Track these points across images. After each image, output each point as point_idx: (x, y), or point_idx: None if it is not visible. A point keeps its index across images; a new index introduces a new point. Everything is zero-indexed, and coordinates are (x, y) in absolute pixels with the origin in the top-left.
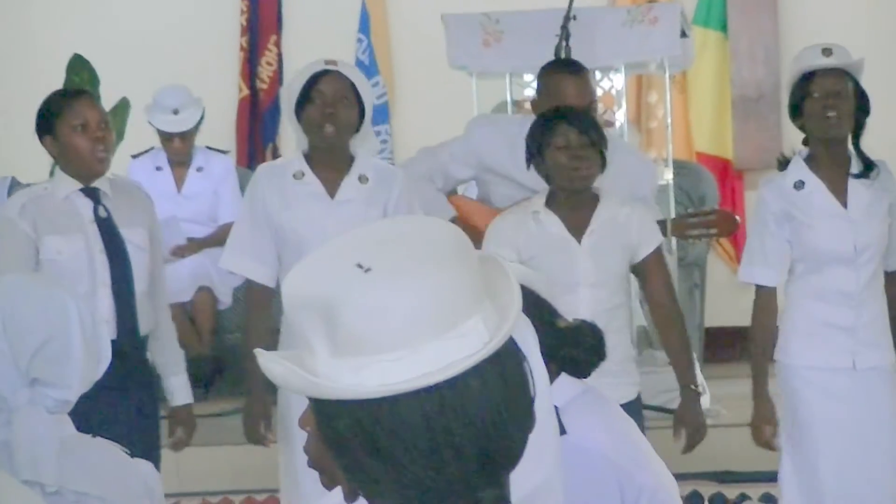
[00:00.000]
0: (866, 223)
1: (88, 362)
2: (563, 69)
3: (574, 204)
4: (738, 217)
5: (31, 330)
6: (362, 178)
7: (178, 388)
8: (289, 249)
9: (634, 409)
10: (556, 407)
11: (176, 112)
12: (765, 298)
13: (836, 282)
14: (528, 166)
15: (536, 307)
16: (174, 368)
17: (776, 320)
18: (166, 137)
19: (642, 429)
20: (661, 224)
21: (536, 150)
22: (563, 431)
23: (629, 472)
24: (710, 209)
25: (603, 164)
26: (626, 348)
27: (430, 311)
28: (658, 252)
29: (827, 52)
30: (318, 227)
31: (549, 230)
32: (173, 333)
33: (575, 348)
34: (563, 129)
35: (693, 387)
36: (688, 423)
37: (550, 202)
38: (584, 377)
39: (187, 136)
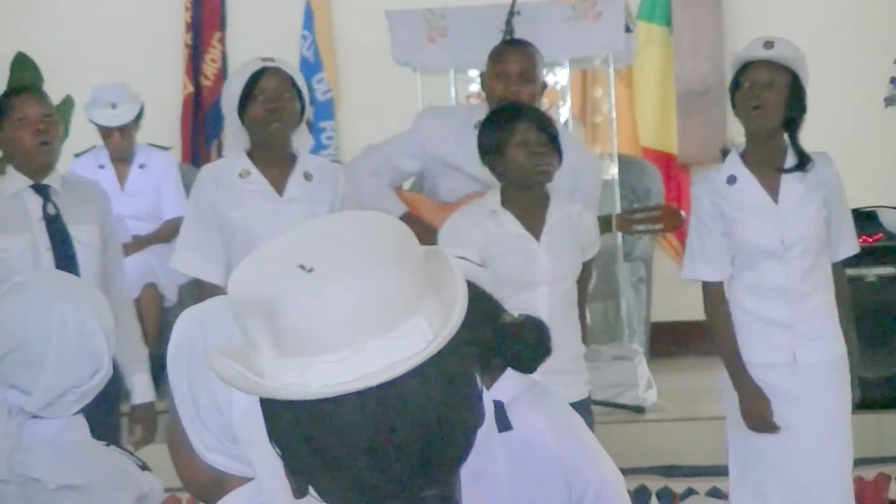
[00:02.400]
0: (797, 218)
1: (59, 371)
2: (510, 42)
3: (528, 202)
4: (683, 212)
5: (4, 334)
6: (307, 176)
7: (137, 386)
8: (238, 248)
9: (585, 406)
10: (502, 402)
11: (114, 107)
12: (712, 293)
13: (769, 277)
14: (483, 164)
15: (482, 302)
16: (135, 366)
17: (729, 311)
18: (106, 133)
19: (591, 425)
20: (607, 219)
21: (494, 146)
22: (508, 427)
23: (575, 467)
24: (655, 205)
25: (559, 159)
26: (579, 346)
27: (372, 311)
28: (594, 259)
29: (768, 44)
30: (268, 225)
31: (508, 228)
32: (135, 330)
33: (519, 343)
34: (523, 126)
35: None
36: None
37: (504, 200)
38: (529, 372)
39: (126, 131)
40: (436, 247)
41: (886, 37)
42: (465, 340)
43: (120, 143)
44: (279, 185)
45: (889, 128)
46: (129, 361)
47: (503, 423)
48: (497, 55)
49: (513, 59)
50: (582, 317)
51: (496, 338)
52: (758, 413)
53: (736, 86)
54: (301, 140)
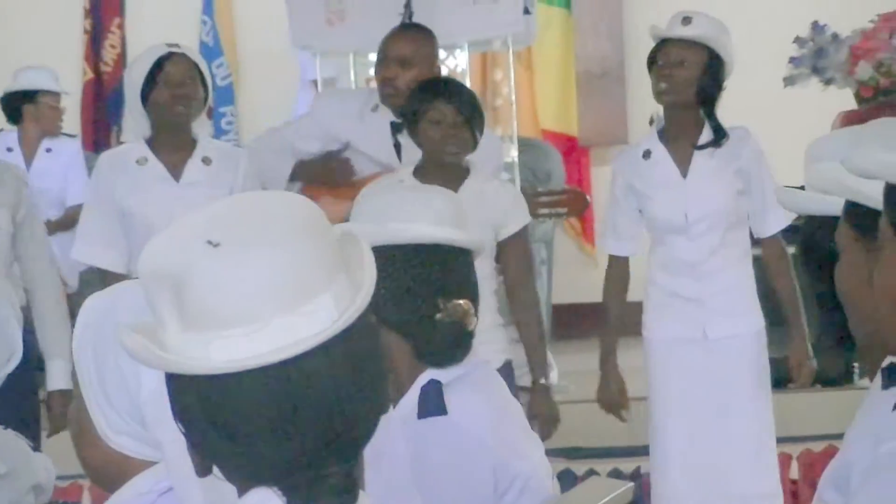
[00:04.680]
0: (703, 192)
1: None
2: (400, 27)
3: (443, 176)
4: (588, 196)
5: None
6: (206, 160)
7: (52, 372)
8: (137, 234)
9: (504, 375)
10: (440, 383)
11: (57, 79)
12: (613, 268)
13: (677, 252)
14: (400, 133)
15: (420, 287)
16: (52, 350)
17: (625, 291)
18: (50, 106)
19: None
20: None
21: (411, 118)
22: (443, 411)
23: (505, 458)
24: (560, 188)
25: (474, 143)
26: (493, 316)
27: (278, 287)
28: (521, 234)
29: (686, 20)
30: (165, 211)
31: None
32: (58, 314)
33: (430, 344)
34: (440, 104)
35: (544, 381)
36: (542, 417)
37: (419, 172)
38: (439, 368)
39: (59, 108)
40: (350, 229)
41: (788, 16)
42: (373, 322)
43: (57, 115)
44: (178, 170)
45: (788, 107)
46: (45, 345)
47: (438, 407)
48: (385, 40)
49: (394, 45)
50: (535, 301)
51: (413, 331)
52: (609, 399)
53: (652, 62)
54: (202, 126)
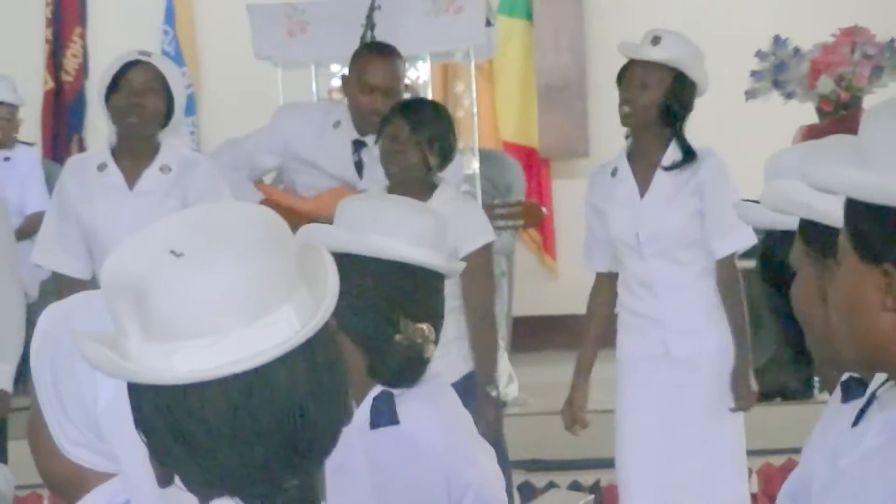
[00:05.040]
0: (656, 213)
1: None
2: (374, 50)
3: (409, 193)
4: (544, 208)
5: None
6: (164, 169)
7: None
8: (93, 242)
9: (466, 386)
10: (391, 393)
11: (15, 91)
12: (596, 285)
13: (633, 271)
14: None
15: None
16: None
17: (604, 307)
18: (7, 116)
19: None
20: None
21: (378, 136)
22: (395, 421)
23: (458, 468)
24: (517, 200)
25: (425, 165)
26: (455, 328)
27: (239, 298)
28: (480, 253)
29: (655, 40)
30: (114, 219)
31: None
32: (14, 319)
33: (385, 365)
34: (397, 120)
35: (489, 389)
36: (482, 427)
37: (390, 192)
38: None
39: (16, 119)
40: (312, 242)
41: (749, 29)
42: (334, 335)
43: (14, 126)
44: (134, 178)
45: (749, 121)
46: None
47: (391, 417)
48: (362, 65)
49: (379, 74)
50: (491, 321)
51: (370, 346)
52: (569, 413)
53: (620, 79)
54: (174, 135)
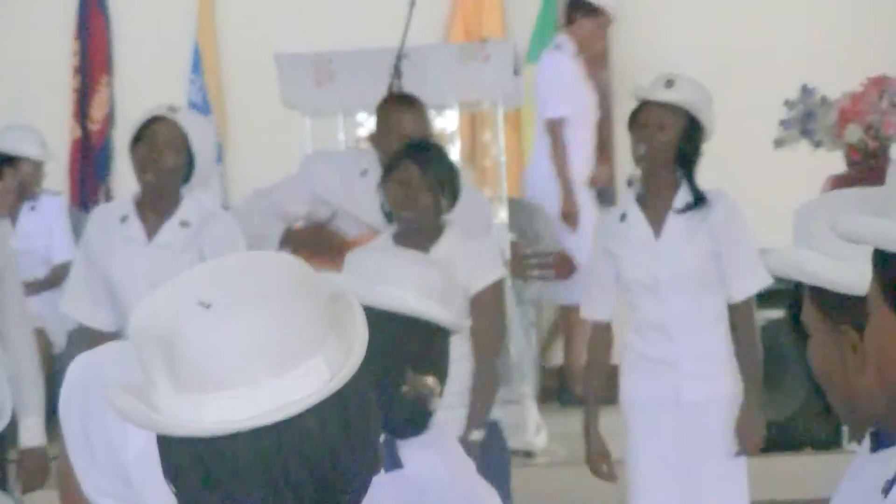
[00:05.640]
0: (674, 254)
1: None
2: (400, 102)
3: (417, 239)
4: (575, 260)
5: None
6: (184, 223)
7: (28, 430)
8: (113, 292)
9: (491, 435)
10: (393, 439)
11: (43, 145)
12: (594, 335)
13: (648, 313)
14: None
15: (391, 356)
16: (28, 409)
17: (606, 355)
18: (31, 169)
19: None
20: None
21: (385, 177)
22: (399, 465)
23: None
24: (549, 251)
25: (437, 209)
26: (464, 379)
27: (270, 349)
28: (490, 290)
29: (669, 83)
30: (131, 271)
31: None
32: (32, 371)
33: (392, 414)
34: (406, 165)
35: (473, 435)
36: None
37: (398, 237)
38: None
39: (42, 170)
40: (343, 290)
41: (778, 77)
42: (365, 383)
43: (37, 179)
44: (154, 230)
45: (778, 169)
46: (23, 403)
47: (394, 462)
48: (388, 115)
49: (410, 123)
50: (488, 345)
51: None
52: (595, 466)
53: (633, 121)
54: (203, 188)
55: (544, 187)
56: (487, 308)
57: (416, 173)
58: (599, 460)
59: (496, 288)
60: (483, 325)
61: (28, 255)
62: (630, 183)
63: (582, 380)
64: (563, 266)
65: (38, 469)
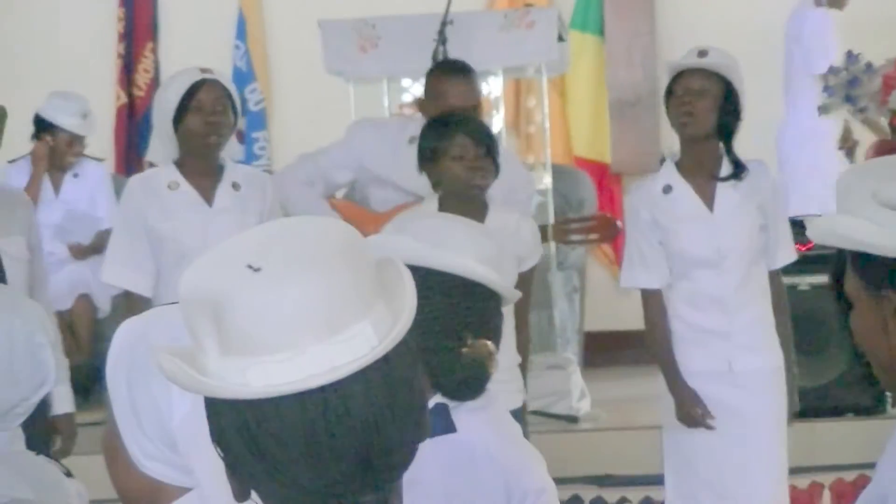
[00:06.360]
0: (732, 226)
1: (9, 384)
2: (451, 70)
3: (465, 211)
4: (619, 222)
5: None
6: (235, 186)
7: (58, 397)
8: (168, 259)
9: (518, 416)
10: (446, 405)
11: (84, 116)
12: (651, 301)
13: (705, 286)
14: (421, 171)
15: (445, 320)
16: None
17: (667, 319)
18: (67, 140)
19: (525, 435)
20: (543, 229)
21: (431, 156)
22: (452, 429)
23: (516, 473)
24: (590, 215)
25: (496, 171)
26: (513, 355)
27: (316, 313)
28: (531, 273)
29: (702, 53)
30: (199, 236)
31: None
32: (57, 341)
33: (448, 377)
34: (461, 140)
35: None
36: None
37: (441, 209)
38: (456, 401)
39: (83, 141)
40: (391, 254)
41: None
42: (413, 350)
43: (77, 152)
44: (208, 195)
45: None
46: None
47: (447, 426)
48: (440, 84)
49: (460, 92)
50: (522, 328)
51: (432, 359)
52: (690, 415)
53: (669, 93)
54: (230, 151)
55: (802, 145)
56: (527, 289)
57: (471, 144)
58: (692, 408)
59: (532, 273)
60: (521, 307)
61: (73, 222)
62: (663, 160)
63: (650, 346)
64: (607, 229)
65: (71, 434)
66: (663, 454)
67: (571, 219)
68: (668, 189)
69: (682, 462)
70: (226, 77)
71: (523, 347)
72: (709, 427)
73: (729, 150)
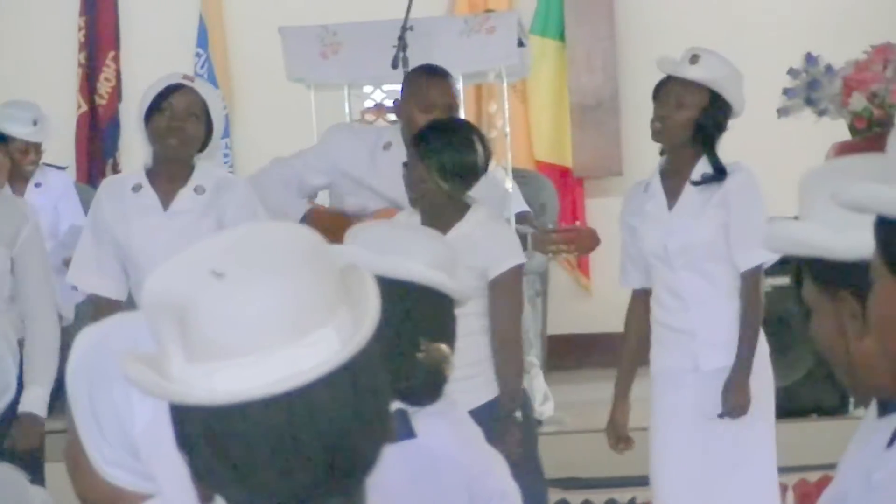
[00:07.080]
0: (685, 225)
1: None
2: (431, 71)
3: (440, 217)
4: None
5: None
6: (199, 189)
7: (28, 396)
8: (129, 262)
9: (492, 410)
10: (404, 410)
11: (35, 123)
12: (633, 302)
13: (665, 284)
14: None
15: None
16: (34, 377)
17: (640, 324)
18: (21, 149)
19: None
20: (523, 238)
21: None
22: (412, 435)
23: (478, 476)
24: (571, 226)
25: (439, 188)
26: (479, 350)
27: (280, 318)
28: (507, 275)
29: (694, 59)
30: (150, 239)
31: None
32: (49, 345)
33: (406, 383)
34: (411, 148)
35: (516, 416)
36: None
37: (423, 214)
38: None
39: (38, 149)
40: (353, 261)
41: (779, 49)
42: (376, 355)
43: (33, 160)
44: (169, 198)
45: (782, 139)
46: (31, 372)
47: (406, 431)
48: (420, 86)
49: (438, 93)
50: (517, 343)
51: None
52: (613, 428)
53: (656, 93)
54: (209, 159)
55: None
56: (505, 292)
57: (416, 157)
58: (615, 429)
59: (516, 273)
60: (501, 310)
61: None
62: (663, 152)
63: (611, 346)
64: (587, 241)
65: (32, 433)
66: (650, 454)
67: (553, 229)
68: (647, 188)
69: (655, 463)
70: (207, 87)
71: (513, 347)
72: (618, 452)
73: (709, 155)
